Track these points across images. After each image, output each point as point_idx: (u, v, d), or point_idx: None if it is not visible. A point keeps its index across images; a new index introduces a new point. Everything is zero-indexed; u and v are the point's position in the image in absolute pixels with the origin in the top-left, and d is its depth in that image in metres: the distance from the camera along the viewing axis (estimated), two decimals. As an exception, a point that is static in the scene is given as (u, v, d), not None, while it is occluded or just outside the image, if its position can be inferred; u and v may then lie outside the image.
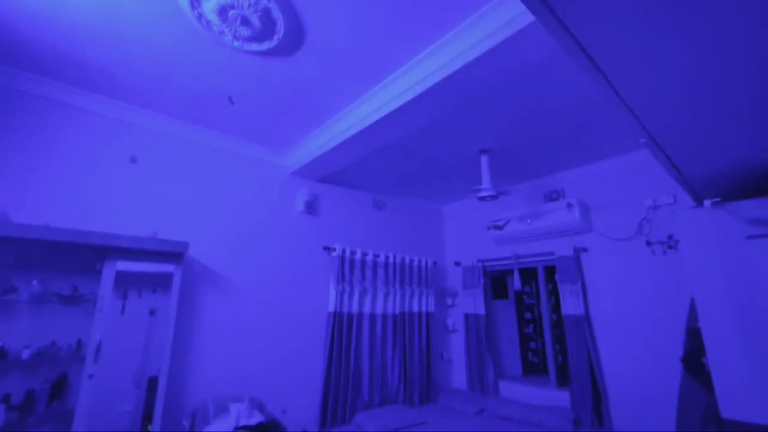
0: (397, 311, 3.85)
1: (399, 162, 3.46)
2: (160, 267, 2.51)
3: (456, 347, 4.37)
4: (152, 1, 1.77)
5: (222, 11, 1.78)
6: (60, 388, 2.08)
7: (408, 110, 2.35)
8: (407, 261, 4.09)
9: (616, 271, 3.19)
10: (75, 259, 2.24)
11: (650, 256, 3.00)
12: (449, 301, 4.47)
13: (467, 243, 4.51)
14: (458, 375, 4.27)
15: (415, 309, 4.03)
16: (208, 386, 2.69)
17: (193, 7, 1.77)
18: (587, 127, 2.81)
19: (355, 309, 3.54)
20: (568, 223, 3.38)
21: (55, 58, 2.18)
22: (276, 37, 1.95)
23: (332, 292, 3.44)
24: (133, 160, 2.68)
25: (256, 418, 2.45)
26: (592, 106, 2.52)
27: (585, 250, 3.40)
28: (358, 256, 3.71)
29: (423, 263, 4.23)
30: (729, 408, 1.33)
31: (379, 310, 3.73)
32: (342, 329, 3.41)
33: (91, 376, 2.08)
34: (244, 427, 2.32)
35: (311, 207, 3.59)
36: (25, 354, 1.98)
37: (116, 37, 2.00)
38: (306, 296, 3.39)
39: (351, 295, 3.56)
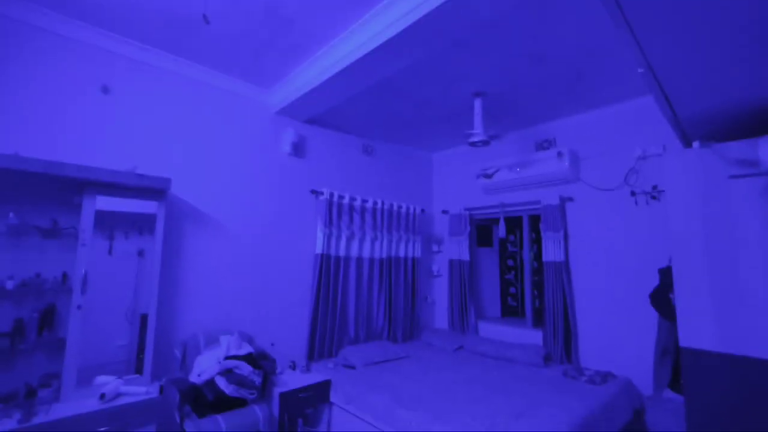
0: (384, 255, 3.93)
1: (389, 104, 3.34)
2: (143, 206, 2.44)
3: (439, 291, 4.55)
4: None
5: None
6: (49, 317, 2.11)
7: (399, 43, 2.20)
8: (395, 207, 4.10)
9: (598, 220, 3.26)
10: (51, 191, 2.17)
11: (633, 207, 3.06)
12: (435, 248, 4.57)
13: (455, 191, 4.52)
14: (440, 316, 4.49)
15: (402, 254, 4.12)
16: (199, 322, 2.77)
17: None
18: (583, 72, 2.72)
19: (342, 252, 3.60)
20: (556, 173, 3.38)
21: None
22: (255, -53, 1.75)
23: (320, 235, 3.46)
24: (105, 90, 2.51)
25: (246, 349, 2.56)
26: (591, 50, 2.41)
27: (570, 199, 3.45)
28: (346, 200, 3.70)
29: (411, 210, 4.25)
30: (688, 337, 1.43)
31: (366, 254, 3.81)
32: (329, 271, 3.48)
33: (79, 307, 2.11)
34: (234, 357, 2.44)
35: (298, 149, 3.49)
36: (9, 285, 1.98)
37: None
38: (293, 238, 3.41)
39: (338, 239, 3.60)
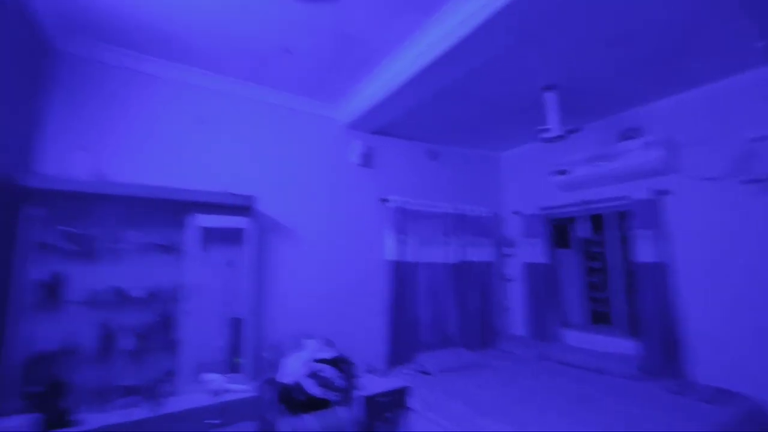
0: (455, 260, 3.88)
1: (453, 107, 3.31)
2: (233, 221, 2.73)
3: (514, 296, 4.35)
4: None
5: (270, -44, 1.74)
6: (168, 322, 2.45)
7: (465, 46, 2.19)
8: (464, 211, 4.04)
9: (705, 214, 2.86)
10: (165, 213, 2.53)
11: (748, 196, 2.64)
12: (507, 251, 4.39)
13: (527, 191, 4.30)
14: (517, 323, 4.28)
15: (473, 258, 4.03)
16: (284, 326, 2.99)
17: (241, -45, 1.75)
18: (674, 49, 2.42)
19: (413, 258, 3.64)
20: (647, 163, 3.05)
21: (129, 29, 2.31)
22: (324, -22, 1.88)
23: (391, 242, 3.54)
24: (200, 121, 2.86)
25: (328, 353, 2.70)
26: (683, 23, 2.15)
27: (666, 192, 3.07)
28: (415, 206, 3.73)
29: (480, 213, 4.15)
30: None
31: (437, 259, 3.79)
32: (402, 277, 3.54)
33: (187, 313, 2.42)
34: (319, 360, 2.59)
35: (367, 159, 3.62)
36: (139, 294, 2.34)
37: (179, 5, 2.06)
38: (365, 245, 3.53)
39: (409, 245, 3.64)
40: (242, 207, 2.69)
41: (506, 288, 4.42)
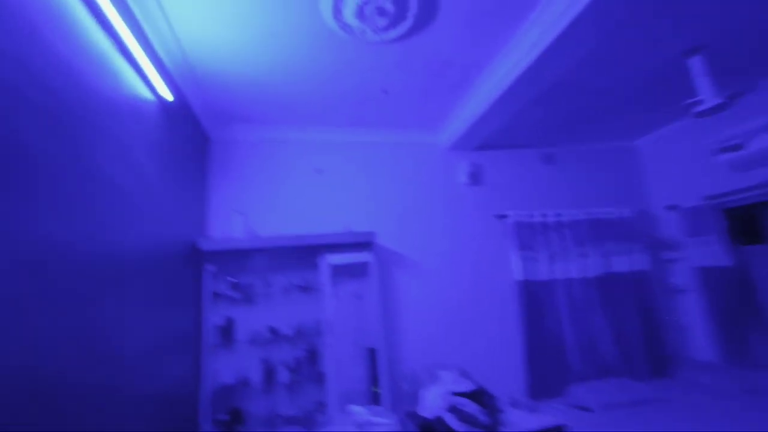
0: (598, 273, 3.34)
1: (565, 103, 2.97)
2: (357, 257, 2.90)
3: (690, 310, 3.48)
4: (306, 30, 2.03)
5: (359, 11, 1.89)
6: (314, 356, 2.69)
7: (565, 39, 1.96)
8: (598, 215, 3.50)
9: None
10: (301, 258, 2.84)
11: None
12: (669, 255, 3.59)
13: (683, 179, 3.51)
14: (699, 344, 3.39)
15: (621, 268, 3.41)
16: (417, 356, 2.97)
17: (336, 18, 1.94)
18: None
19: (545, 275, 3.27)
20: None
21: (257, 110, 2.79)
22: (410, 14, 1.95)
23: (516, 260, 3.26)
24: (319, 171, 3.20)
25: (467, 386, 2.56)
26: None
27: None
28: (536, 218, 3.40)
29: (620, 215, 3.53)
30: None
31: (574, 274, 3.33)
32: (535, 297, 3.20)
33: (329, 346, 2.61)
34: (457, 393, 2.46)
35: (475, 177, 3.49)
36: (288, 331, 2.64)
37: (289, 75, 2.40)
38: (488, 267, 3.33)
39: (538, 261, 3.30)
40: (364, 243, 2.85)
41: (676, 301, 3.58)
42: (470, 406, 2.29)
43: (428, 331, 3.07)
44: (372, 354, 2.81)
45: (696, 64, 2.31)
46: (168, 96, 1.97)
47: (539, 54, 2.09)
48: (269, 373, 2.58)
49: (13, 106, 0.96)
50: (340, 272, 2.91)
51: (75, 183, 1.21)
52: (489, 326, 3.21)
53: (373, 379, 2.78)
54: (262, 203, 3.00)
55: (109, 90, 1.47)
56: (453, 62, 2.43)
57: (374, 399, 2.68)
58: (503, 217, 3.42)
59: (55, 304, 1.06)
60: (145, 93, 1.81)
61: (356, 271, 2.94)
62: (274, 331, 2.64)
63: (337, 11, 1.90)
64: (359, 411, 2.47)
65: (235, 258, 2.72)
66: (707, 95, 2.23)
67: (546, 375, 3.05)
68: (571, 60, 2.20)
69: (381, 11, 1.90)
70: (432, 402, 2.47)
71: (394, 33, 2.07)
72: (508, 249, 3.36)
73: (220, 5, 1.81)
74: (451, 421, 2.26)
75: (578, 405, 2.74)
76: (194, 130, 2.62)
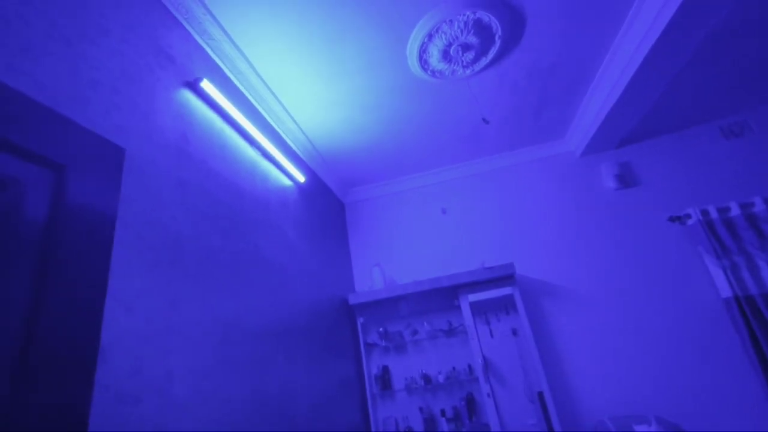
0: None
1: (742, 56, 2.28)
2: (498, 292, 2.70)
3: None
4: (397, 87, 2.19)
5: (444, 54, 1.94)
6: (472, 404, 2.53)
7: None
8: None
9: None
10: (441, 300, 2.82)
11: None
12: None
13: None
14: None
15: None
16: (601, 403, 2.47)
17: (424, 69, 2.04)
18: None
19: (766, 286, 2.36)
20: None
21: (374, 171, 3.07)
22: (497, 36, 1.89)
23: (716, 272, 2.47)
24: (444, 211, 3.21)
25: (677, 445, 1.96)
26: None
27: None
28: (735, 212, 2.55)
29: None
30: None
31: (826, 278, 2.31)
32: (758, 315, 2.32)
33: (489, 395, 2.42)
34: (665, 455, 1.91)
35: (625, 179, 2.91)
36: (440, 378, 2.59)
37: (393, 136, 2.58)
38: (669, 284, 2.62)
39: (753, 269, 2.42)
40: (505, 276, 2.65)
41: None
42: (689, 476, 1.74)
43: (607, 372, 2.53)
44: (540, 397, 2.47)
45: None
46: (301, 178, 2.36)
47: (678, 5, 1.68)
48: (430, 423, 2.53)
49: (202, 221, 1.30)
50: (489, 309, 2.75)
51: (247, 268, 1.53)
52: (692, 360, 2.44)
53: (548, 427, 2.41)
54: (397, 253, 3.16)
55: (260, 188, 1.86)
56: (556, 66, 2.20)
57: (554, 453, 2.29)
58: (681, 218, 2.70)
59: (237, 367, 1.32)
60: (285, 181, 2.22)
61: (505, 307, 2.73)
62: (427, 378, 2.62)
63: (423, 62, 1.99)
64: (536, 471, 2.15)
65: (380, 308, 2.89)
66: None
67: (820, 432, 2.08)
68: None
69: (465, 47, 1.90)
70: (630, 466, 1.97)
71: (484, 61, 2.04)
72: (699, 258, 2.59)
73: (328, 95, 2.14)
74: (664, 495, 1.75)
75: None
76: (329, 199, 3.04)
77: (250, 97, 1.96)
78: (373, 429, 2.51)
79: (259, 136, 1.86)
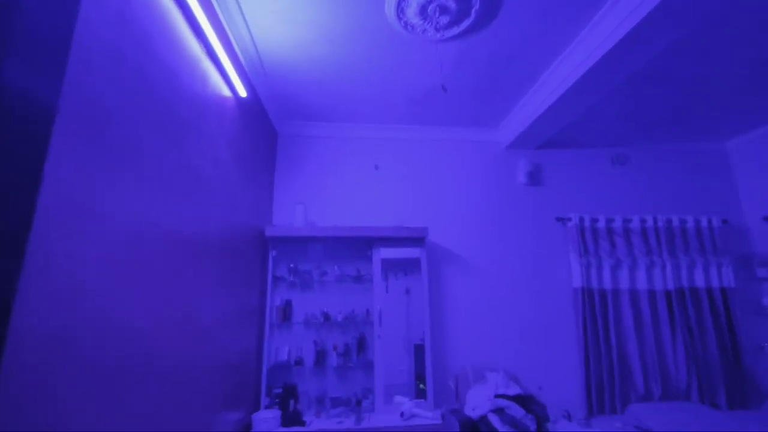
0: (671, 287, 3.05)
1: (646, 100, 2.75)
2: (409, 252, 2.95)
3: (786, 337, 3.04)
4: (370, 29, 2.11)
5: (422, 10, 1.93)
6: (362, 343, 2.80)
7: (644, 30, 1.82)
8: (675, 223, 3.18)
9: None
10: (355, 249, 2.96)
11: None
12: (762, 273, 3.16)
13: (785, 187, 3.07)
14: (797, 377, 2.95)
15: (700, 284, 3.08)
16: (466, 357, 2.95)
17: (399, 18, 2.00)
18: None
19: (608, 284, 3.06)
20: None
21: (320, 109, 2.95)
22: (472, 10, 1.94)
23: (576, 266, 3.09)
24: (376, 167, 3.29)
25: (514, 390, 2.50)
26: None
27: None
28: (602, 223, 3.18)
29: (703, 224, 3.18)
30: None
31: (641, 285, 3.08)
32: (594, 307, 3.01)
33: (379, 337, 2.70)
34: (503, 396, 2.42)
35: (534, 177, 3.35)
36: (339, 317, 2.78)
37: (351, 73, 2.51)
38: (543, 272, 3.19)
39: (600, 269, 3.10)
40: (417, 238, 2.89)
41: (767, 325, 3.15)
42: (516, 410, 2.25)
43: (478, 332, 3.03)
44: (419, 350, 2.85)
45: (808, 55, 2.01)
46: (242, 92, 2.17)
47: (615, 43, 1.94)
48: (321, 355, 2.74)
49: (133, 107, 1.14)
50: (392, 266, 2.99)
51: (172, 170, 1.40)
52: (543, 332, 3.08)
53: (419, 375, 2.82)
54: (321, 195, 3.16)
55: (199, 88, 1.67)
56: (517, 58, 2.37)
57: (419, 394, 2.72)
58: (564, 219, 3.25)
59: (151, 265, 1.25)
60: (225, 91, 2.02)
61: (407, 266, 3.00)
62: (326, 316, 2.79)
63: (400, 11, 1.95)
64: (404, 402, 2.53)
65: (295, 245, 2.91)
66: (821, 90, 1.93)
67: (605, 390, 2.86)
68: (653, 49, 2.02)
69: (443, 9, 1.91)
70: (477, 402, 2.46)
71: (456, 30, 2.08)
72: (568, 253, 3.19)
73: (293, 8, 1.96)
74: (496, 422, 2.24)
75: (639, 426, 2.54)
76: (264, 124, 2.85)
77: (203, -19, 1.69)
78: (265, 355, 2.61)
79: (208, 28, 1.65)
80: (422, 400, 2.64)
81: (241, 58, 2.18)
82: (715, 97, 2.74)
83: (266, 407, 2.49)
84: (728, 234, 3.24)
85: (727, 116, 3.06)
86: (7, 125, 0.60)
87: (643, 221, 3.19)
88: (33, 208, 0.74)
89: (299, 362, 2.71)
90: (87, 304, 0.94)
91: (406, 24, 2.04)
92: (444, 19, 1.99)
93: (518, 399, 2.39)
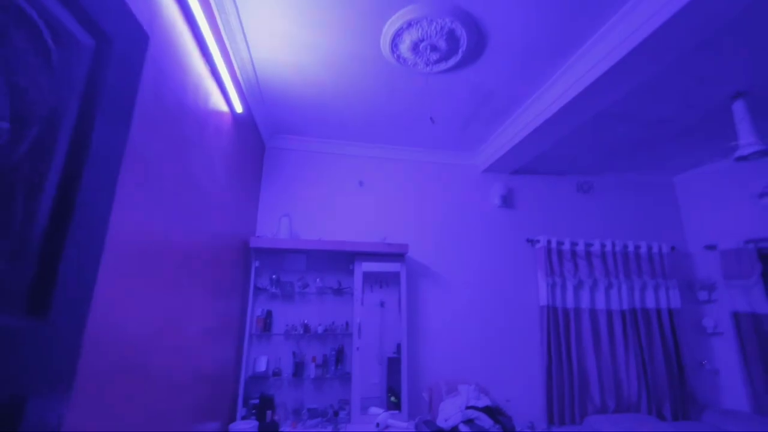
0: (625, 307, 3.34)
1: (607, 134, 3.04)
2: (389, 266, 3.08)
3: (723, 355, 3.38)
4: (364, 59, 2.26)
5: (414, 46, 2.10)
6: (341, 355, 2.87)
7: (612, 77, 2.09)
8: (631, 249, 3.50)
9: None
10: (336, 262, 3.05)
11: None
12: (703, 296, 3.52)
13: (723, 219, 3.46)
14: (731, 392, 3.29)
15: (650, 305, 3.39)
16: (438, 369, 3.08)
17: (393, 51, 2.16)
18: None
19: (570, 303, 3.30)
20: None
21: (309, 125, 3.06)
22: (460, 50, 2.14)
23: (542, 285, 3.32)
24: (361, 183, 3.42)
25: (483, 401, 2.65)
26: None
27: None
28: (567, 246, 3.44)
29: (654, 249, 3.52)
30: None
31: (600, 305, 3.34)
32: (558, 324, 3.24)
33: (358, 349, 2.78)
34: (473, 407, 2.56)
35: (507, 200, 3.59)
36: (319, 329, 2.84)
37: (343, 97, 2.64)
38: (513, 290, 3.40)
39: (564, 288, 3.34)
40: (397, 254, 3.02)
41: (710, 344, 3.49)
42: (485, 421, 2.39)
43: (452, 346, 3.17)
44: (392, 363, 2.95)
45: (739, 109, 2.35)
46: (239, 108, 2.25)
47: (584, 87, 2.20)
48: (299, 367, 2.78)
49: (146, 124, 1.21)
50: (372, 280, 3.09)
51: (172, 186, 1.46)
52: (512, 347, 3.27)
53: (391, 388, 2.91)
54: (306, 208, 3.24)
55: (201, 105, 1.74)
56: (497, 93, 2.59)
57: (390, 406, 2.80)
58: (533, 241, 3.49)
59: (140, 285, 1.30)
60: (223, 107, 2.09)
61: (387, 281, 3.12)
62: (306, 328, 2.85)
63: (394, 45, 2.12)
64: (380, 414, 2.61)
65: (278, 257, 2.97)
66: (748, 140, 2.26)
67: (565, 402, 3.07)
68: (617, 93, 2.29)
69: (434, 47, 2.10)
70: (449, 413, 2.58)
71: (444, 66, 2.27)
72: (535, 273, 3.42)
73: (295, 35, 2.08)
74: (467, 432, 2.36)
75: (595, 435, 2.75)
76: (254, 137, 2.92)
77: (213, 5, 1.78)
78: (243, 366, 2.63)
79: (215, 48, 1.73)
80: (397, 411, 2.73)
81: (239, 76, 2.26)
82: (667, 136, 3.08)
83: (243, 418, 2.49)
84: (675, 260, 3.59)
85: (676, 153, 3.43)
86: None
87: (603, 245, 3.48)
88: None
89: (277, 373, 2.74)
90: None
91: (398, 57, 2.21)
92: (434, 56, 2.17)
93: (487, 410, 2.54)
